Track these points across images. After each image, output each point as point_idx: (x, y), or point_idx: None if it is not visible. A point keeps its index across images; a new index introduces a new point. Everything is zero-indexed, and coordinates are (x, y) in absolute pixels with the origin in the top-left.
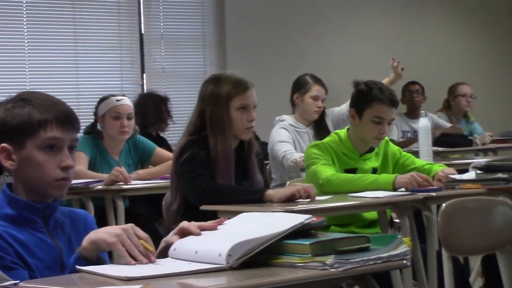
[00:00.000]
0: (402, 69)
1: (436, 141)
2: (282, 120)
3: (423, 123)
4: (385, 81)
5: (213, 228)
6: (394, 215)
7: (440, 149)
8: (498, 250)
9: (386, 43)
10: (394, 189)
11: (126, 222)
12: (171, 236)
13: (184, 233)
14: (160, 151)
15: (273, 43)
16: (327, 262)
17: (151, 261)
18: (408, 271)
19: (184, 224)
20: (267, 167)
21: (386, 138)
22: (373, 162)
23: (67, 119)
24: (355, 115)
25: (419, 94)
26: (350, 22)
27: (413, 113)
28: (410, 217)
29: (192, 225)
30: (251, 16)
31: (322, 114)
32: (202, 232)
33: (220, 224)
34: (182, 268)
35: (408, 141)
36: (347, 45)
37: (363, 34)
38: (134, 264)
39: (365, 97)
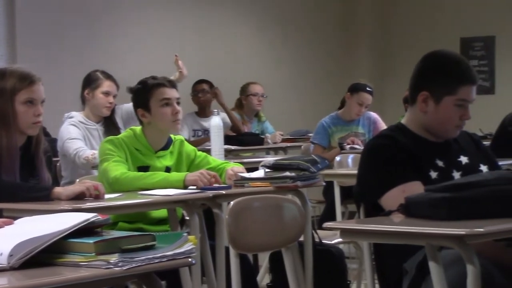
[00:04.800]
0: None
1: (228, 140)
2: (71, 117)
3: (215, 122)
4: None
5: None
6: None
7: (232, 147)
8: (284, 247)
9: (179, 41)
10: (185, 187)
11: None
12: None
13: None
14: None
15: (64, 38)
16: (111, 261)
17: None
18: (197, 268)
19: None
20: (58, 164)
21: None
22: (167, 160)
23: None
24: (144, 112)
25: (205, 93)
26: (143, 19)
27: (203, 112)
28: (200, 214)
29: None
30: (43, 9)
31: (113, 111)
32: None
33: (8, 224)
34: None
35: (200, 140)
36: (139, 41)
37: (156, 30)
38: None
39: (144, 90)
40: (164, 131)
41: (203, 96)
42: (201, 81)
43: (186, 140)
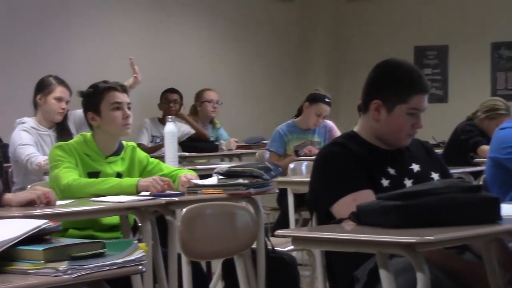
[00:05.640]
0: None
1: (183, 146)
2: (23, 123)
3: (169, 128)
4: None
5: None
6: None
7: (186, 154)
8: (236, 255)
9: (134, 47)
10: (138, 193)
11: None
12: None
13: None
14: None
15: (16, 43)
16: (60, 269)
17: None
18: (149, 275)
19: None
20: (9, 170)
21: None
22: (118, 166)
23: None
24: (94, 116)
25: (177, 104)
26: (98, 25)
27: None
28: (153, 221)
29: None
30: None
31: (65, 117)
32: None
33: None
34: None
35: (158, 146)
36: (93, 47)
37: (111, 37)
38: None
39: (95, 94)
40: (114, 135)
41: (174, 106)
42: (173, 91)
43: (144, 145)
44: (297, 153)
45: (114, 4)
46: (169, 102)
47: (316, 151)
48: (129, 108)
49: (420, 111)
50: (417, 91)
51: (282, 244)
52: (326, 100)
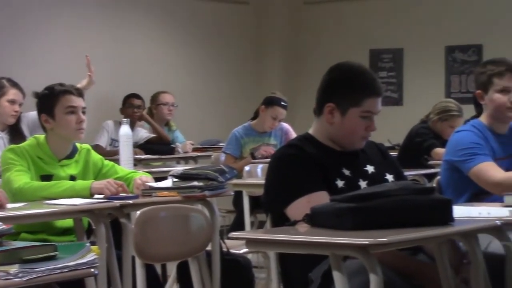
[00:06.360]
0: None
1: (140, 149)
2: None
3: (124, 131)
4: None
5: None
6: None
7: (142, 156)
8: (190, 257)
9: (89, 50)
10: (91, 195)
11: None
12: None
13: None
14: None
15: None
16: (11, 272)
17: None
18: (103, 278)
19: None
20: None
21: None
22: (71, 169)
23: None
24: (48, 118)
25: (140, 109)
26: (55, 27)
27: (131, 124)
28: (107, 224)
29: None
30: None
31: (18, 119)
32: None
33: None
34: None
35: (117, 151)
36: (46, 50)
37: (65, 39)
38: None
39: (51, 96)
40: (67, 139)
41: (138, 111)
42: (136, 96)
43: (102, 147)
44: (253, 156)
45: (68, 4)
46: (133, 107)
47: (271, 151)
48: (83, 113)
49: (374, 114)
50: (370, 94)
51: (238, 247)
52: (282, 103)
